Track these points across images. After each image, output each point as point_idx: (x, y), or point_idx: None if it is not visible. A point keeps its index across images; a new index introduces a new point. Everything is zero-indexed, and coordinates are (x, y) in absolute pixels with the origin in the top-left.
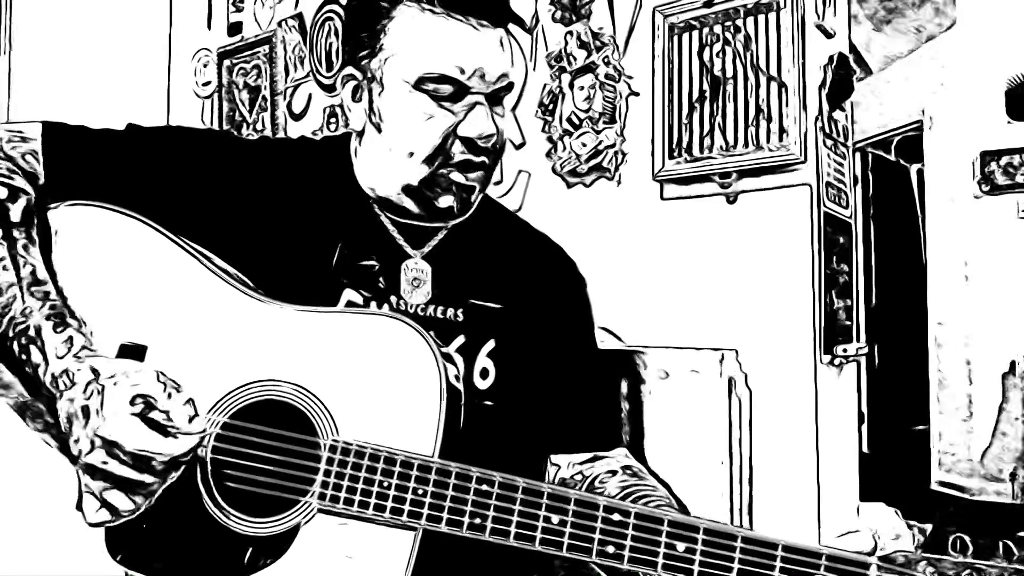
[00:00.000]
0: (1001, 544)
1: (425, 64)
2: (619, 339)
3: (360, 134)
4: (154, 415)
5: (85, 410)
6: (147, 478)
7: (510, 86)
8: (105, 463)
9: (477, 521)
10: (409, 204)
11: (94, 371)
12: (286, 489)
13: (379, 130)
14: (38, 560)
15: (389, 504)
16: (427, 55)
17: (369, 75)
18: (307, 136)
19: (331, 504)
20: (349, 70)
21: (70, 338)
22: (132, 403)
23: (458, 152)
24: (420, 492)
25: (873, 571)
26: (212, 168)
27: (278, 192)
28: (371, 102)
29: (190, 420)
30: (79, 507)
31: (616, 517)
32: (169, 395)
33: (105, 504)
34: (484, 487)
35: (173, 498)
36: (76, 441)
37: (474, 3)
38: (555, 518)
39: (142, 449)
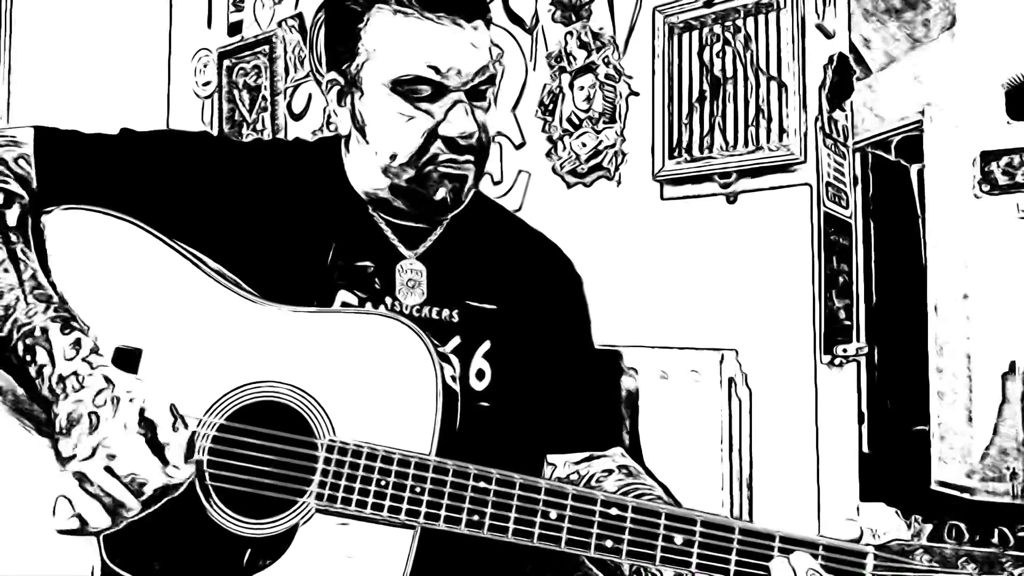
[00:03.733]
0: (996, 531)
1: (400, 66)
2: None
3: (347, 138)
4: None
5: (93, 416)
6: (131, 501)
7: (491, 79)
8: (98, 474)
9: (475, 518)
10: (401, 204)
11: (108, 380)
12: (284, 490)
13: (363, 134)
14: (34, 561)
15: (387, 503)
16: (401, 57)
17: (349, 79)
18: (301, 138)
19: (329, 504)
20: (332, 75)
21: (78, 340)
22: (139, 423)
23: (441, 152)
24: (418, 490)
25: (870, 560)
26: (205, 171)
27: (272, 194)
28: (353, 106)
29: (185, 460)
30: (53, 510)
31: (614, 511)
32: (175, 428)
33: (78, 515)
34: (482, 484)
35: (171, 500)
36: (75, 445)
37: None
38: (553, 513)
39: (137, 472)
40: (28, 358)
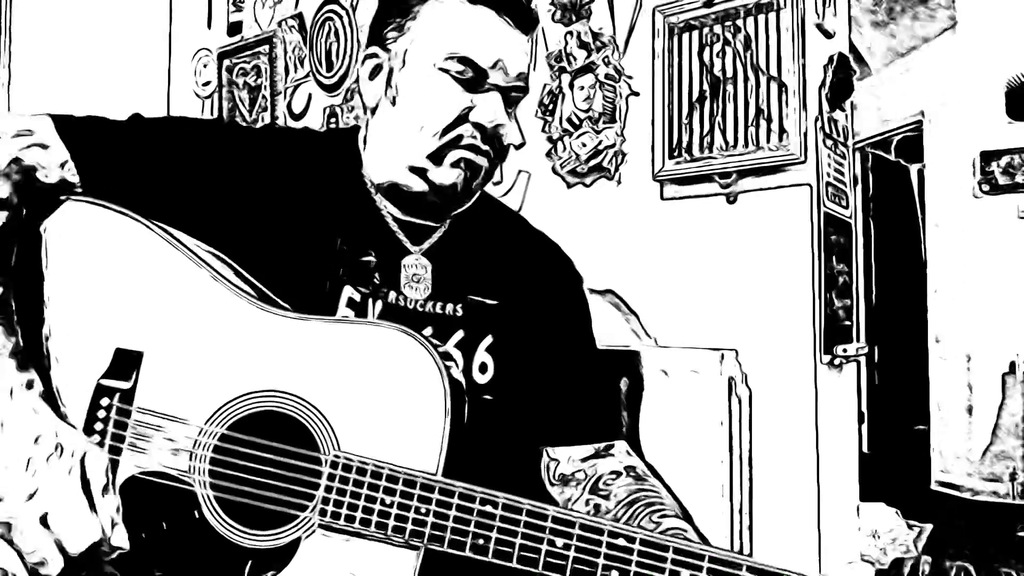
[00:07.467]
0: (997, 531)
1: (452, 44)
2: (647, 334)
3: (373, 111)
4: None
5: (28, 461)
6: (57, 560)
7: (525, 90)
8: (31, 525)
9: (480, 542)
10: (415, 183)
11: (46, 423)
12: (286, 503)
13: (393, 103)
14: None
15: (391, 523)
16: (455, 37)
17: (393, 52)
18: (310, 128)
19: (332, 520)
20: (372, 49)
21: None
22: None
23: (468, 136)
24: (422, 511)
25: None
26: (214, 158)
27: (281, 185)
28: (390, 76)
29: (112, 525)
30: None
31: (621, 542)
32: (104, 493)
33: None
34: (488, 508)
35: (173, 509)
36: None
37: (508, 3)
38: (559, 541)
39: (69, 529)
40: None
